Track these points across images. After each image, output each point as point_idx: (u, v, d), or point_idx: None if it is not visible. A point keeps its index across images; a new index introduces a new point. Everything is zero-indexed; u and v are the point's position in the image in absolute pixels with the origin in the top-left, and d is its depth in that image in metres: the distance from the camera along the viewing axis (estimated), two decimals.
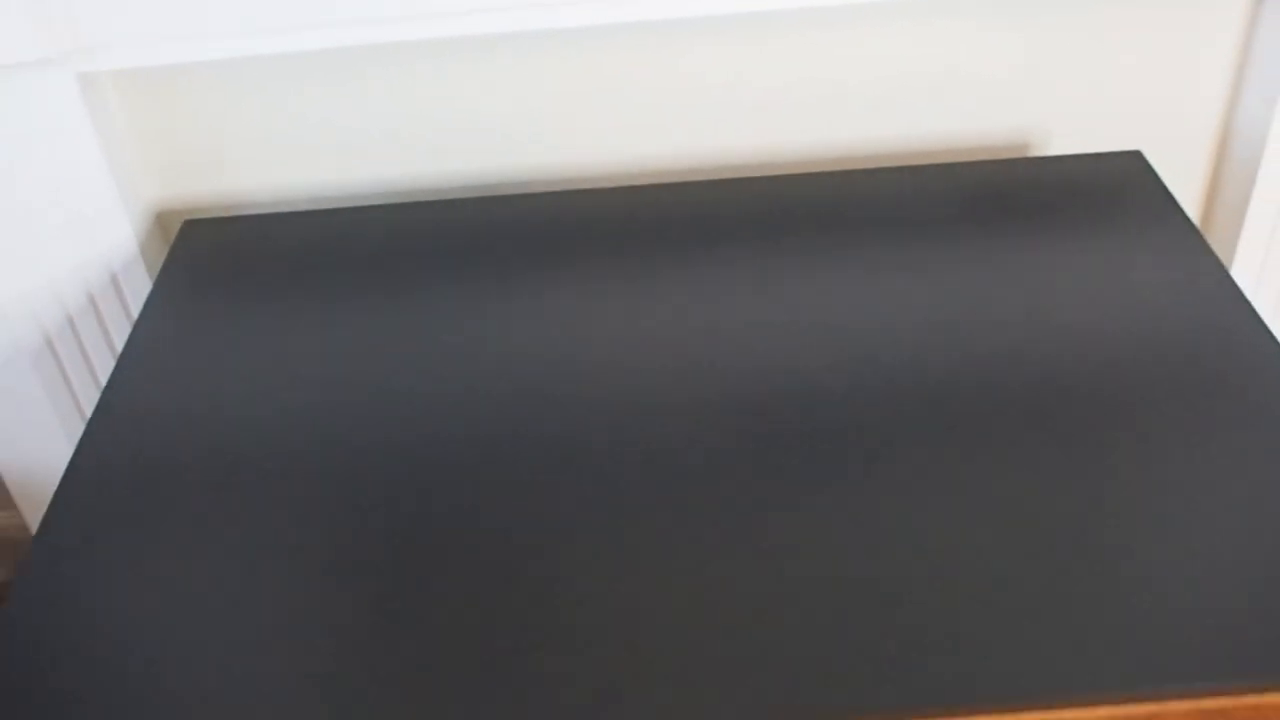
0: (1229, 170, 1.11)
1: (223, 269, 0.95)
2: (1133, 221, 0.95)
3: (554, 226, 0.95)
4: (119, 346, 1.06)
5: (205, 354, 0.86)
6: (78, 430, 1.11)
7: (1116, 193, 0.99)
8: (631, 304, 0.86)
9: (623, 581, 0.67)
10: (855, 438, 0.74)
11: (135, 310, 1.04)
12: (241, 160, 1.04)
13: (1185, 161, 1.12)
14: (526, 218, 0.96)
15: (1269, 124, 1.06)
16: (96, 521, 0.73)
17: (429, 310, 0.88)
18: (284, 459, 0.76)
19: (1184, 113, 1.09)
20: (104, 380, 1.08)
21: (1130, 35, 1.05)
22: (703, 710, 0.60)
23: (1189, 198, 1.15)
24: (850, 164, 1.06)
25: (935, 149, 1.07)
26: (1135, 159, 1.05)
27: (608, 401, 0.77)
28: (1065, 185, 1.01)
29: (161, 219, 1.07)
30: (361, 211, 1.00)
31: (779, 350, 0.81)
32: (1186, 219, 0.94)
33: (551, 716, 0.60)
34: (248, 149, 1.04)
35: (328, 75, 0.99)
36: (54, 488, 1.12)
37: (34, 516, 1.17)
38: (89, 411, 1.09)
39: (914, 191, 0.99)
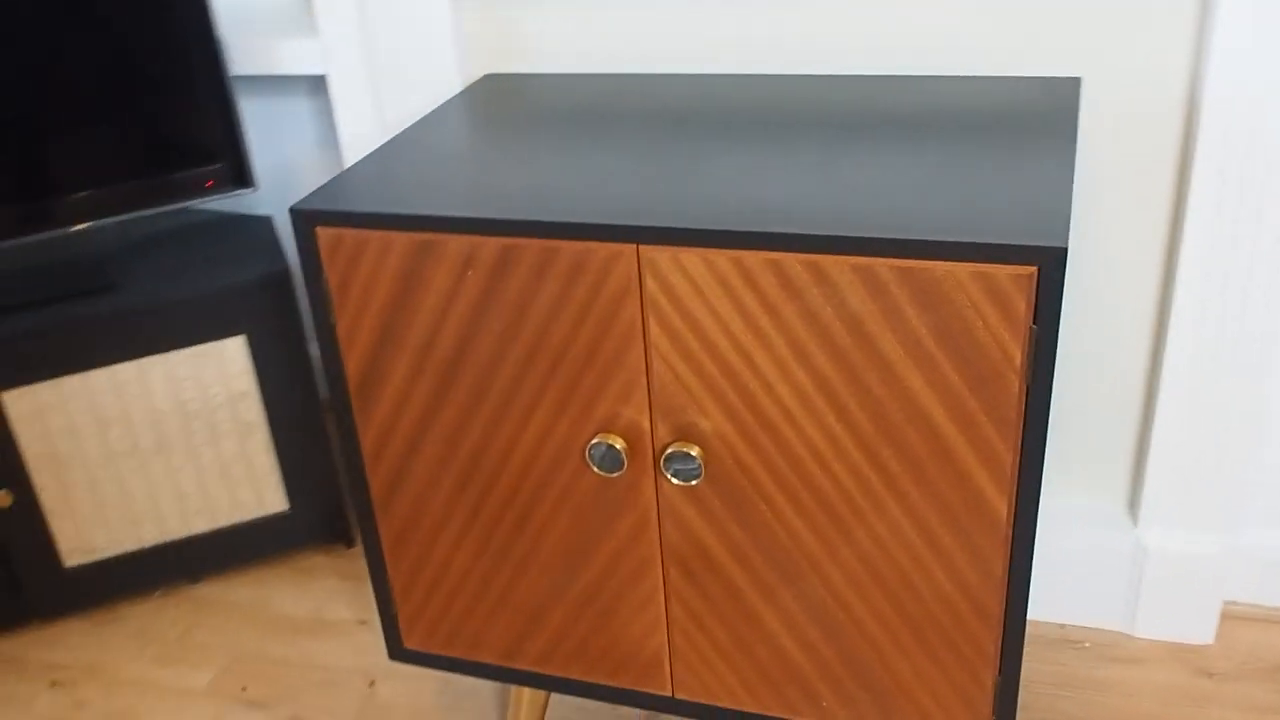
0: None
1: (506, 103, 1.46)
2: (1032, 128, 1.24)
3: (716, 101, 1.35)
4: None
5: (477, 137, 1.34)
6: None
7: (1036, 107, 1.30)
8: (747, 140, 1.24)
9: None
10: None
11: None
12: (541, 49, 1.58)
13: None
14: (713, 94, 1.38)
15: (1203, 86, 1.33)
16: None
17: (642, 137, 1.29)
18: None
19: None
20: None
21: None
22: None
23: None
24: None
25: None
26: (1072, 84, 1.34)
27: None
28: (1010, 98, 1.31)
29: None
30: (610, 78, 1.52)
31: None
32: (1072, 136, 1.22)
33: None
34: (546, 41, 1.58)
35: None
36: None
37: None
38: None
39: (920, 96, 1.31)
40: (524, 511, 1.25)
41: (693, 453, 1.14)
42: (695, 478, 1.15)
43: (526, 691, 1.48)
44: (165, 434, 1.74)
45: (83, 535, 1.75)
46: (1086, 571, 1.63)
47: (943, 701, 1.20)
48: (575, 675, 1.35)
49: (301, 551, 1.93)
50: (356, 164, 1.26)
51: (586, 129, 1.32)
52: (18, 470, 1.67)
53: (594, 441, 1.16)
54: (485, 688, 1.63)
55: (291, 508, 1.86)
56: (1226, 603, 1.67)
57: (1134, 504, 1.61)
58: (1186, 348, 1.46)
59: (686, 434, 1.15)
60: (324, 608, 1.81)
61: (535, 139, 1.30)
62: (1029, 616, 1.68)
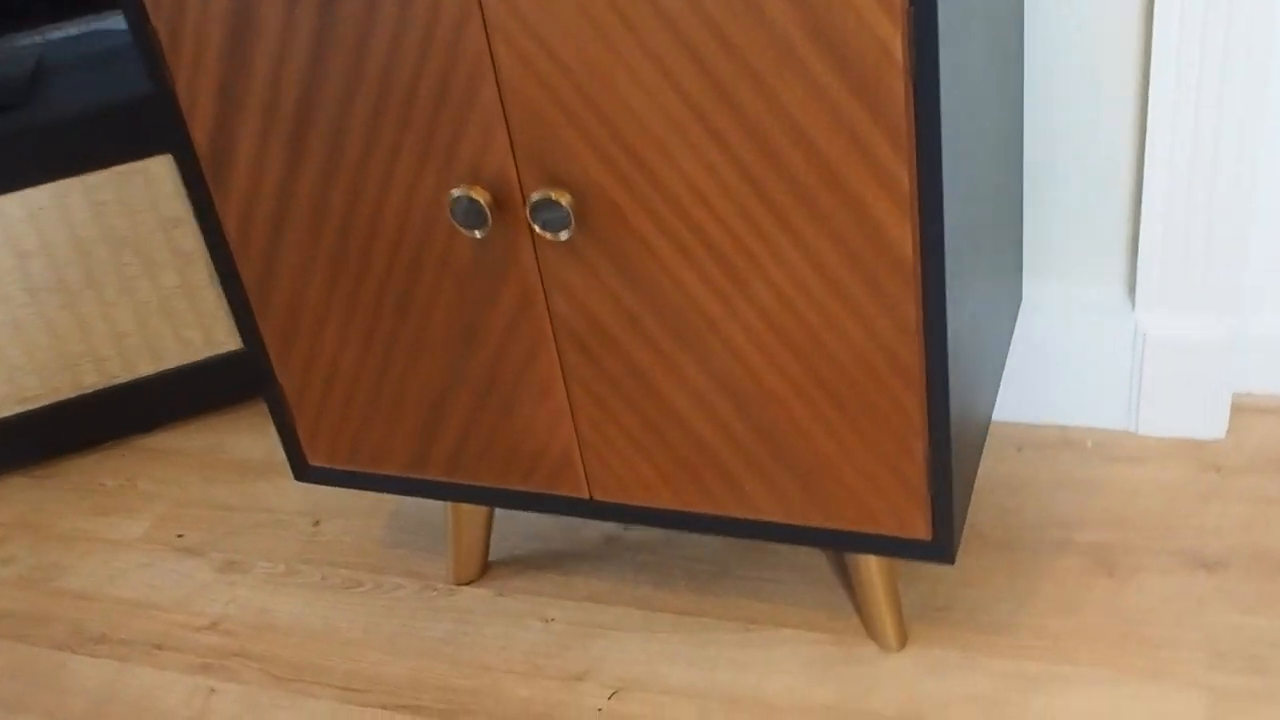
0: None
1: None
2: None
3: None
4: None
5: None
6: None
7: None
8: None
9: None
10: None
11: None
12: None
13: None
14: None
15: None
16: None
17: None
18: None
19: None
20: None
21: None
22: None
23: None
24: None
25: None
26: None
27: None
28: None
29: None
30: None
31: None
32: None
33: None
34: None
35: None
36: None
37: None
38: None
39: None
40: (404, 290, 1.12)
41: (559, 199, 1.00)
42: (565, 228, 1.01)
43: (462, 509, 1.36)
44: (93, 266, 1.64)
45: (14, 382, 1.66)
46: (1085, 367, 1.47)
47: (872, 478, 1.06)
48: (487, 481, 1.23)
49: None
50: None
51: None
52: None
53: (454, 195, 1.03)
54: (434, 520, 1.52)
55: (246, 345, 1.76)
56: (1238, 394, 1.49)
57: (1131, 287, 1.44)
58: (1171, 110, 1.28)
59: (557, 180, 1.01)
60: (278, 450, 1.71)
61: None
62: (1033, 419, 1.52)
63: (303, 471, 1.30)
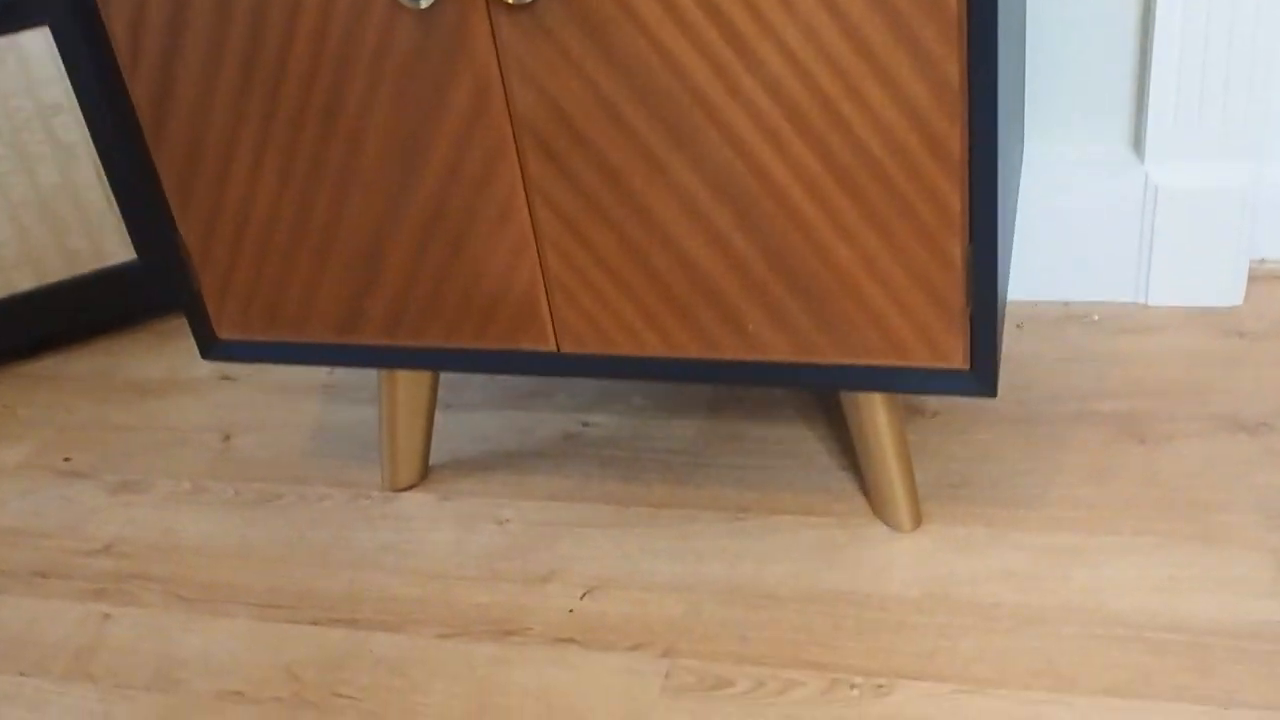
0: None
1: None
2: None
3: None
4: None
5: None
6: None
7: None
8: None
9: None
10: None
11: None
12: None
13: None
14: None
15: None
16: None
17: None
18: None
19: None
20: None
21: None
22: None
23: None
24: None
25: None
26: None
27: None
28: None
29: None
30: None
31: None
32: None
33: None
34: None
35: None
36: None
37: None
38: None
39: None
40: (330, 97, 0.93)
41: None
42: None
43: (400, 394, 1.17)
44: None
45: None
46: (1090, 233, 1.32)
47: (899, 296, 0.90)
48: (433, 340, 1.04)
49: (162, 314, 1.62)
50: None
51: None
52: None
53: None
54: (361, 432, 1.33)
55: (140, 257, 1.54)
56: (1254, 262, 1.36)
57: (1137, 140, 1.30)
58: None
59: None
60: (181, 367, 1.50)
61: None
62: (1032, 296, 1.36)
63: (210, 347, 1.10)
